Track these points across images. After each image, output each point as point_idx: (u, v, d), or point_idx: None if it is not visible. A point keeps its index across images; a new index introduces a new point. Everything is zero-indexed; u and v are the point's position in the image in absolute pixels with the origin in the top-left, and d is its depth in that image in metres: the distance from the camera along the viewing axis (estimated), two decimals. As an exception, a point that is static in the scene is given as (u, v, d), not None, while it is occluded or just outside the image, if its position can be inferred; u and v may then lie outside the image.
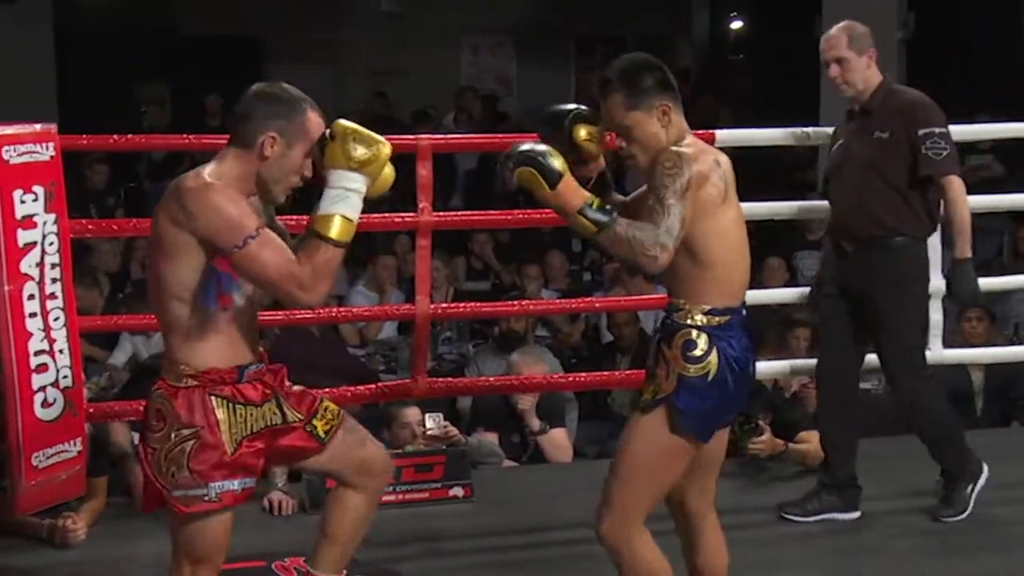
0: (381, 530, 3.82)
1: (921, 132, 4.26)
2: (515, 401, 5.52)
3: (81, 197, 8.13)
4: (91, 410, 4.45)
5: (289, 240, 3.01)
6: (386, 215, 5.05)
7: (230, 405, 2.93)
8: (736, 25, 16.14)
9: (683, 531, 3.37)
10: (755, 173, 9.37)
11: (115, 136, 4.77)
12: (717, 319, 3.08)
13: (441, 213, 5.15)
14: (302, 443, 3.10)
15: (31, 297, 4.00)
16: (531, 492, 4.91)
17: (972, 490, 4.48)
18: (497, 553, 4.36)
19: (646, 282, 6.49)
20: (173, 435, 2.90)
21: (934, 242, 5.01)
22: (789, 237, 8.56)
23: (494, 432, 5.57)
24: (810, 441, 4.83)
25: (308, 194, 3.03)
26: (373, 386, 4.98)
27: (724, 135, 5.00)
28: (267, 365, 3.06)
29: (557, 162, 2.96)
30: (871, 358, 4.53)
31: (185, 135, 5.02)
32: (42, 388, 4.05)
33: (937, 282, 5.02)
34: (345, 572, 3.35)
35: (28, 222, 3.98)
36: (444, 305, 6.18)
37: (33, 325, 4.02)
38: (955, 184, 4.31)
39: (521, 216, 5.20)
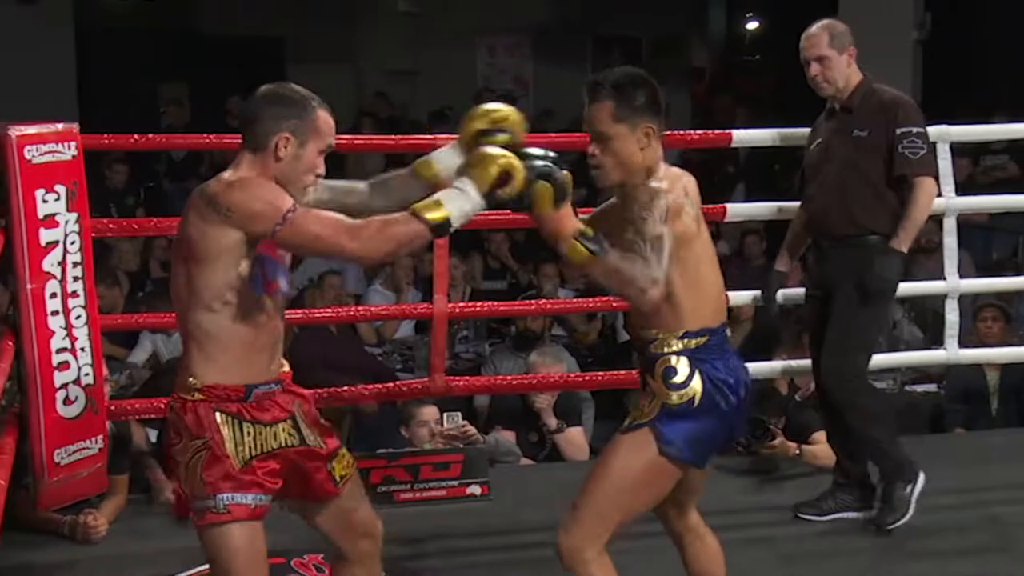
0: (398, 528, 3.84)
1: (899, 131, 4.23)
2: (532, 400, 5.54)
3: (101, 196, 8.16)
4: (111, 408, 4.47)
5: None
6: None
7: (236, 421, 2.88)
8: (752, 25, 16.13)
9: (676, 543, 3.37)
10: (771, 173, 9.43)
11: (136, 136, 4.78)
12: (695, 341, 3.05)
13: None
14: (322, 477, 3.03)
15: (53, 295, 4.03)
16: (548, 491, 4.91)
17: (911, 491, 4.34)
18: (514, 551, 4.37)
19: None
20: (189, 447, 2.87)
21: (950, 243, 5.02)
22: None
23: (511, 431, 5.58)
24: (822, 442, 4.83)
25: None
26: (392, 384, 5.01)
27: (741, 135, 5.01)
28: (286, 387, 3.01)
29: (569, 185, 2.93)
30: (879, 357, 4.48)
31: (205, 135, 4.95)
32: (64, 385, 4.09)
33: (954, 282, 5.03)
34: None
35: (50, 221, 4.01)
36: (461, 304, 6.19)
37: (55, 323, 4.05)
38: (925, 185, 4.24)
39: (538, 216, 5.20)
